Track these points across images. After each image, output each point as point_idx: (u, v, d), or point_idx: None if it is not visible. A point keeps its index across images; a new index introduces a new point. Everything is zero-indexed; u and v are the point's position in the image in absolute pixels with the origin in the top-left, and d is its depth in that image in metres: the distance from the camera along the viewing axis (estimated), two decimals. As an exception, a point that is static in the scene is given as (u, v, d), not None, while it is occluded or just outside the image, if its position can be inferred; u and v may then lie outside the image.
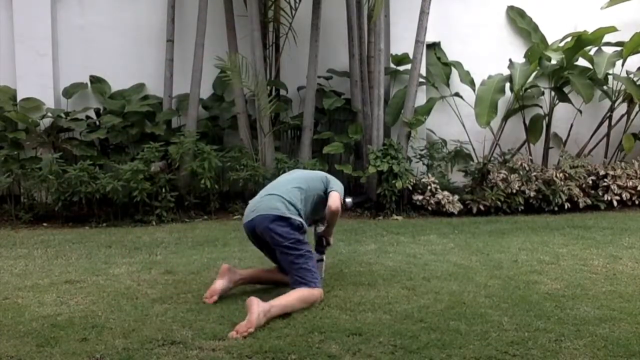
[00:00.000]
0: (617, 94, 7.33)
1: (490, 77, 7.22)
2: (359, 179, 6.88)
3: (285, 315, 3.14)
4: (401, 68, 7.35)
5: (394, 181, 6.41)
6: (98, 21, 7.33)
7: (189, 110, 6.86)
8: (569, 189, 6.63)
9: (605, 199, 6.76)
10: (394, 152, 6.55)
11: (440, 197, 6.48)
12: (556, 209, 6.61)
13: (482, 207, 6.55)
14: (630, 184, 6.80)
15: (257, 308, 3.02)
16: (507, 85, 7.16)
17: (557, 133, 7.56)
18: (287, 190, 3.59)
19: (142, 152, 6.33)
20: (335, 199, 3.61)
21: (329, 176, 3.79)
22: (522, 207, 6.60)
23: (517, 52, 7.40)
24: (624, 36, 7.06)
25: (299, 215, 3.51)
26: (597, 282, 3.78)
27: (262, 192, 3.70)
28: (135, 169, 6.07)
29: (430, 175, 6.71)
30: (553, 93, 7.32)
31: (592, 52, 7.16)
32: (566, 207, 6.62)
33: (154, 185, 6.22)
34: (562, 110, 7.46)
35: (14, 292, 3.68)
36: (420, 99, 7.16)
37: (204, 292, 3.51)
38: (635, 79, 7.18)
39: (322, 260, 3.74)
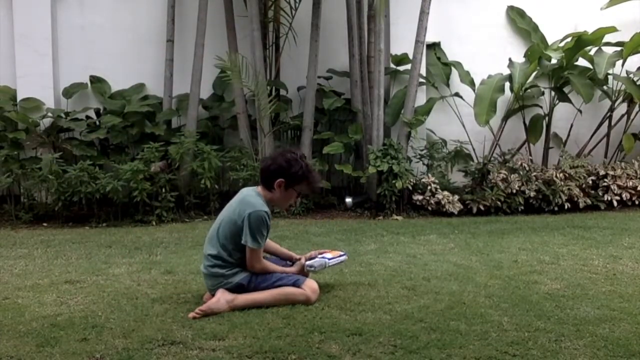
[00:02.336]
0: (617, 94, 7.33)
1: (490, 76, 7.22)
2: (359, 179, 6.88)
3: (285, 315, 3.14)
4: (401, 68, 7.35)
5: (394, 181, 6.41)
6: (98, 21, 7.33)
7: (189, 110, 6.86)
8: (569, 189, 6.63)
9: (605, 199, 6.76)
10: (394, 152, 6.55)
11: (440, 197, 6.48)
12: (556, 209, 6.61)
13: (482, 207, 6.55)
14: (630, 184, 6.80)
15: (221, 295, 3.21)
16: (507, 85, 7.16)
17: (557, 133, 7.56)
18: (209, 261, 3.33)
19: (142, 152, 6.33)
20: (248, 261, 3.30)
21: (244, 218, 3.25)
22: (522, 207, 6.60)
23: (517, 52, 7.41)
24: (624, 36, 7.07)
25: (236, 273, 3.32)
26: (597, 282, 3.78)
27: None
28: (135, 169, 6.07)
29: (430, 175, 6.71)
30: (553, 93, 7.32)
31: (592, 52, 7.16)
32: (566, 207, 6.62)
33: (154, 185, 6.22)
34: (562, 110, 7.46)
35: (14, 292, 3.67)
36: (420, 99, 7.16)
37: (204, 292, 3.51)
38: (635, 79, 7.18)
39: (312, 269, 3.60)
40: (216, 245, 3.33)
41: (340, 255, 3.71)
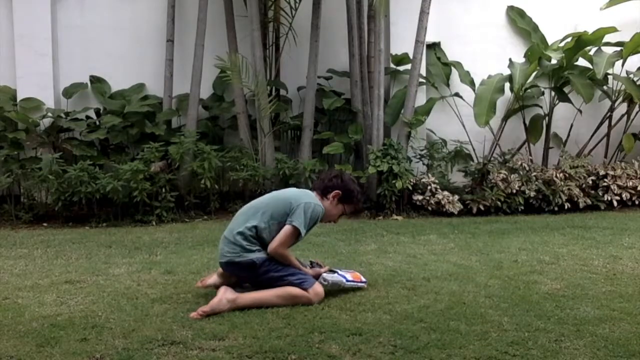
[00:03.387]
0: (617, 94, 7.33)
1: (490, 77, 7.22)
2: (359, 179, 6.85)
3: (285, 315, 3.14)
4: (401, 68, 7.35)
5: (394, 181, 6.41)
6: (98, 21, 7.33)
7: (189, 110, 6.86)
8: (569, 189, 6.63)
9: (605, 199, 6.76)
10: (394, 152, 6.55)
11: (440, 197, 6.48)
12: (556, 209, 6.61)
13: (482, 207, 6.55)
14: (630, 184, 6.81)
15: (223, 294, 3.22)
16: (507, 85, 7.16)
17: (557, 133, 7.56)
18: (242, 227, 3.39)
19: (142, 152, 6.33)
20: (277, 239, 3.34)
21: (300, 204, 3.39)
22: (522, 207, 6.60)
23: (517, 52, 7.41)
24: (624, 36, 7.07)
25: (254, 250, 3.36)
26: (597, 282, 3.78)
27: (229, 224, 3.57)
28: (135, 169, 6.06)
29: (430, 175, 6.71)
30: (553, 93, 7.32)
31: (592, 52, 7.16)
32: (566, 207, 6.62)
33: (154, 185, 6.22)
34: (562, 110, 7.46)
35: (14, 292, 3.67)
36: (420, 99, 7.16)
37: (204, 291, 3.51)
38: (635, 79, 7.18)
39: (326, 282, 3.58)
40: (257, 219, 3.38)
41: (361, 282, 3.65)
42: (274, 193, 3.65)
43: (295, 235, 3.38)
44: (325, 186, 3.58)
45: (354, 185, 3.64)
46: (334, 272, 3.59)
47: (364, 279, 3.69)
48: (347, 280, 3.58)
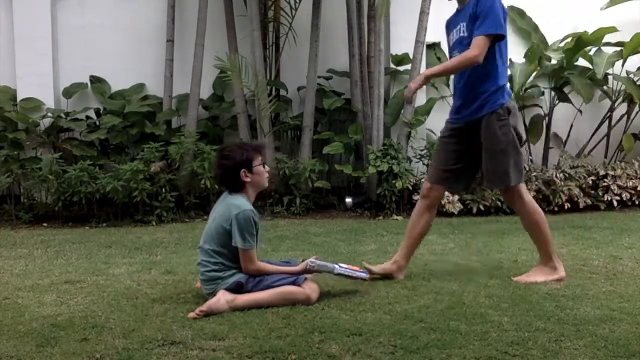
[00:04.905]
0: (617, 94, 7.33)
1: (490, 77, 7.21)
2: (359, 179, 6.88)
3: (285, 315, 3.14)
4: (401, 68, 7.35)
5: (394, 181, 6.41)
6: (98, 21, 7.32)
7: (189, 110, 6.86)
8: (569, 189, 6.63)
9: (605, 199, 6.76)
10: (394, 152, 6.55)
11: (440, 197, 6.47)
12: (556, 209, 6.61)
13: (482, 207, 6.55)
14: (630, 184, 6.80)
15: (221, 295, 3.21)
16: (507, 85, 7.15)
17: (557, 133, 7.56)
18: (208, 257, 3.34)
19: (142, 152, 6.33)
20: (242, 262, 3.30)
21: (232, 222, 3.26)
22: (522, 207, 6.59)
23: (517, 52, 7.40)
24: (624, 36, 7.07)
25: (234, 274, 3.31)
26: (597, 282, 3.78)
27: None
28: (135, 169, 6.07)
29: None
30: (553, 93, 7.32)
31: (592, 52, 7.16)
32: (566, 207, 6.62)
33: (154, 185, 6.23)
34: (562, 110, 7.46)
35: (14, 292, 3.67)
36: (420, 99, 7.16)
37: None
38: (635, 79, 7.19)
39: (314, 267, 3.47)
40: (209, 251, 3.33)
41: (360, 272, 3.57)
42: (209, 218, 3.48)
43: (250, 251, 3.29)
44: (231, 179, 3.40)
45: (236, 151, 3.41)
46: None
47: (364, 271, 3.63)
48: (340, 267, 3.49)
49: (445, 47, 7.56)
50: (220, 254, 3.32)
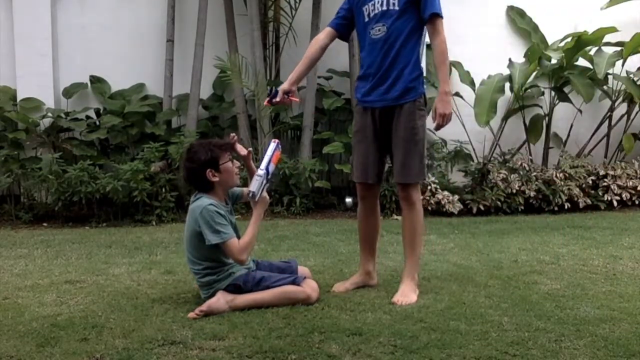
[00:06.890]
0: (617, 94, 7.34)
1: (490, 77, 7.22)
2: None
3: (285, 315, 3.14)
4: (401, 68, 7.34)
5: (393, 181, 6.40)
6: (98, 21, 7.32)
7: (189, 110, 6.87)
8: (569, 189, 6.64)
9: (605, 199, 6.77)
10: (394, 152, 6.54)
11: (440, 197, 6.48)
12: (556, 209, 6.61)
13: (482, 207, 6.56)
14: (630, 184, 6.81)
15: (221, 295, 3.20)
16: (507, 85, 7.16)
17: (557, 133, 7.56)
18: (195, 266, 3.31)
19: (142, 152, 6.33)
20: (231, 257, 3.24)
21: (200, 223, 3.19)
22: (522, 207, 6.60)
23: (517, 52, 7.41)
24: (624, 36, 7.07)
25: (227, 276, 3.29)
26: (597, 282, 3.78)
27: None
28: (135, 169, 6.07)
29: (430, 175, 6.71)
30: (553, 93, 7.33)
31: (592, 52, 7.17)
32: (566, 207, 6.62)
33: (154, 185, 6.23)
34: (562, 110, 7.46)
35: (14, 292, 3.67)
36: (420, 99, 7.15)
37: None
38: (635, 79, 7.19)
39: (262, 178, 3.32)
40: (193, 260, 3.31)
41: (273, 149, 3.36)
42: (185, 230, 3.41)
43: (228, 241, 3.20)
44: (198, 180, 3.30)
45: (200, 150, 3.28)
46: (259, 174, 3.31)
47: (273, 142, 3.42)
48: (263, 171, 3.30)
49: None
50: (203, 258, 3.28)
